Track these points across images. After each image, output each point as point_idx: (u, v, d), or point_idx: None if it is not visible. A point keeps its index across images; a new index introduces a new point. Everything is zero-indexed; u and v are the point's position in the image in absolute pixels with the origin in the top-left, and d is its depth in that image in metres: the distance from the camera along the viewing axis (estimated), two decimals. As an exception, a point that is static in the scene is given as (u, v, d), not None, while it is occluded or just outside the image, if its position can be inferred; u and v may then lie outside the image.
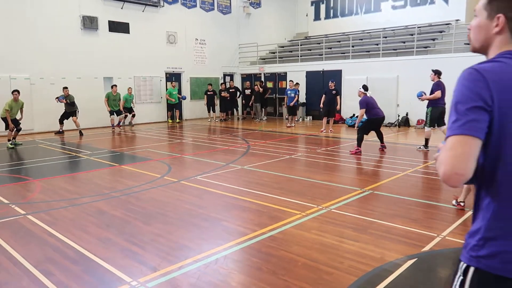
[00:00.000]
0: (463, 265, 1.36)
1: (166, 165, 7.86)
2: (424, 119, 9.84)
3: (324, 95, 13.26)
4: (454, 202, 5.00)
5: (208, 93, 17.35)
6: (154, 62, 16.79)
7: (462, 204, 4.88)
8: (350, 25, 19.94)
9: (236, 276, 3.28)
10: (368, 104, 9.09)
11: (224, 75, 19.71)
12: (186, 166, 7.98)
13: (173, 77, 17.71)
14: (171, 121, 17.13)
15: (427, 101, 9.41)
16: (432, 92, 9.28)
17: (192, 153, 9.55)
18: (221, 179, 6.61)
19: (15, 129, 10.80)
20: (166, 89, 16.95)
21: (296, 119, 16.11)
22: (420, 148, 9.53)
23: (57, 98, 12.93)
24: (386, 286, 3.04)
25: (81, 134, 12.90)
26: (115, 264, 3.49)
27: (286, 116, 16.23)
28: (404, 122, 14.59)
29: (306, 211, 4.86)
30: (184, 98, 17.20)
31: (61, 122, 13.24)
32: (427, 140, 9.32)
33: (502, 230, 1.28)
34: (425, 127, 9.37)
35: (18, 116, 10.88)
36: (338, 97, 13.47)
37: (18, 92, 10.76)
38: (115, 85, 14.15)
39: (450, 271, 3.32)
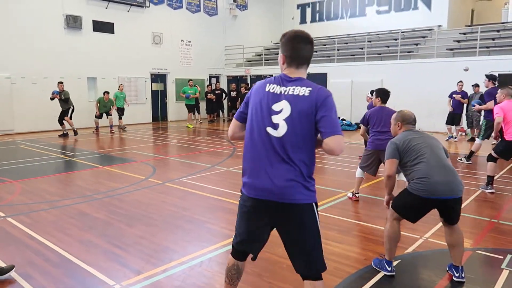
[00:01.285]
0: None
1: (151, 167, 7.78)
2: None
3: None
4: (349, 194, 5.63)
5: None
6: (139, 62, 16.62)
7: (357, 195, 5.51)
8: (335, 28, 20.15)
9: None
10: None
11: (210, 77, 19.65)
12: (170, 168, 7.91)
13: (159, 78, 17.58)
14: (190, 126, 15.53)
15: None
16: (484, 102, 8.47)
17: (177, 154, 9.47)
18: (206, 181, 6.57)
19: None
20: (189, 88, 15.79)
21: None
22: (461, 160, 8.44)
23: (52, 93, 12.33)
24: (370, 287, 3.07)
25: (75, 133, 12.49)
26: (98, 267, 3.43)
27: None
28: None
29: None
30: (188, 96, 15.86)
31: (60, 122, 12.54)
32: (472, 153, 8.15)
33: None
34: (477, 139, 7.88)
35: None
36: None
37: None
38: (107, 92, 13.56)
39: (432, 272, 3.37)
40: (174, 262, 3.53)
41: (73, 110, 12.70)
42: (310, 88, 2.14)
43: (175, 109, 18.24)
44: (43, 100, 13.78)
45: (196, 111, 17.08)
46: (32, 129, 13.67)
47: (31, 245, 3.93)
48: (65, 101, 12.45)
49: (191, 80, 16.26)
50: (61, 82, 12.48)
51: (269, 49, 21.11)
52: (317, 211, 2.21)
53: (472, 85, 11.35)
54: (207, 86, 18.22)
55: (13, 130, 13.27)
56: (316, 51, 18.58)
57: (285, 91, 2.15)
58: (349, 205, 5.29)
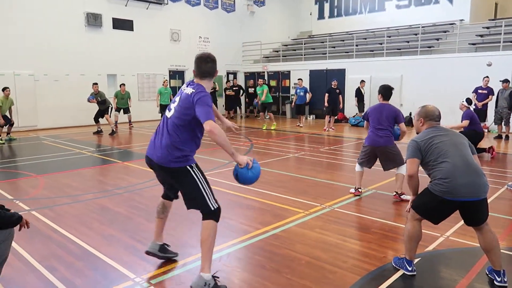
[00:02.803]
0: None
1: (169, 163, 7.87)
2: None
3: (327, 94, 13.24)
4: (352, 190, 5.57)
5: (211, 91, 17.33)
6: (158, 59, 16.80)
7: (359, 190, 5.49)
8: (354, 24, 19.90)
9: (239, 273, 3.28)
10: (473, 118, 8.26)
11: (227, 73, 19.71)
12: (189, 164, 7.99)
13: (177, 75, 17.72)
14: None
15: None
16: None
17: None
18: (224, 177, 6.61)
19: (8, 124, 11.03)
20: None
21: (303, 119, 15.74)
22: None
23: (88, 99, 12.30)
24: (389, 285, 3.04)
25: (113, 132, 12.21)
26: (119, 260, 3.50)
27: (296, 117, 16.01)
28: (408, 122, 14.55)
29: (310, 210, 4.86)
30: None
31: (96, 120, 12.57)
32: None
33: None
34: None
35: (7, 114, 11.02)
36: (340, 96, 13.52)
37: (9, 89, 10.97)
38: (123, 84, 13.72)
39: (453, 271, 3.32)
40: (193, 256, 3.58)
41: (111, 108, 12.82)
42: (193, 91, 2.97)
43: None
44: (65, 96, 14.13)
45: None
46: (55, 125, 14.00)
47: (54, 238, 4.04)
48: (103, 103, 12.44)
49: (261, 79, 15.60)
50: (96, 84, 12.49)
51: (286, 45, 21.02)
52: (194, 171, 3.03)
53: (501, 81, 11.00)
54: (226, 82, 18.28)
55: (37, 126, 13.62)
56: (334, 47, 18.41)
57: (184, 89, 3.08)
58: (367, 202, 5.25)
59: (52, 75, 13.89)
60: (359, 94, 14.86)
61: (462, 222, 4.37)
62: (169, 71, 17.44)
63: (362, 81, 14.94)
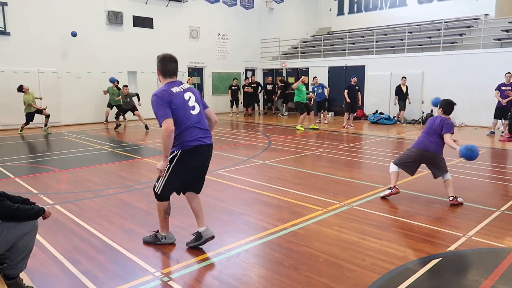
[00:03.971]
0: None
1: (188, 159, 7.94)
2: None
3: (347, 91, 13.08)
4: (386, 192, 5.29)
5: (233, 87, 17.42)
6: (177, 56, 16.77)
7: (397, 187, 5.25)
8: (374, 20, 19.61)
9: (257, 270, 3.29)
10: None
11: (246, 70, 19.72)
12: (207, 160, 8.04)
13: (195, 72, 17.84)
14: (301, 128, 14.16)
15: None
16: None
17: (214, 147, 9.59)
18: (242, 174, 6.64)
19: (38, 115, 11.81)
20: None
21: (325, 115, 15.59)
22: None
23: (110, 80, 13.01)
24: (409, 285, 3.00)
25: (147, 128, 12.47)
26: (139, 254, 3.56)
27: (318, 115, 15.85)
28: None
29: (328, 208, 4.84)
30: None
31: (117, 117, 13.09)
32: None
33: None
34: None
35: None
36: (359, 93, 13.37)
37: (24, 86, 11.59)
38: (127, 86, 12.99)
39: (476, 272, 3.25)
40: (211, 252, 3.61)
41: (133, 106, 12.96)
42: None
43: (212, 102, 18.47)
44: (86, 93, 14.43)
45: (235, 104, 17.33)
46: (77, 121, 14.31)
47: (77, 231, 4.13)
48: (128, 102, 12.77)
49: (315, 77, 15.46)
50: (126, 86, 12.80)
51: (305, 42, 20.88)
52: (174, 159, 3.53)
53: None
54: (245, 79, 18.31)
55: (60, 122, 13.94)
56: (354, 43, 18.19)
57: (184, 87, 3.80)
58: (386, 200, 5.18)
59: (75, 72, 14.18)
60: (399, 92, 13.99)
61: (485, 222, 4.29)
62: (188, 68, 17.56)
63: (403, 78, 13.99)
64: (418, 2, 18.42)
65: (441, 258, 3.41)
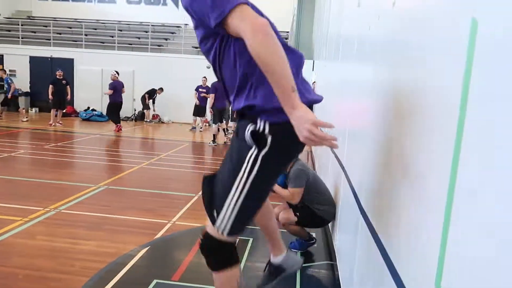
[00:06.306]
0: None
1: None
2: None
3: (52, 85, 11.91)
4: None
5: None
6: None
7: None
8: (82, 11, 18.66)
9: None
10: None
11: None
12: None
13: None
14: None
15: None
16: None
17: None
18: None
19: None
20: None
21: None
22: (210, 144, 9.86)
23: None
24: (120, 278, 3.04)
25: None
26: None
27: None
28: (141, 117, 14.96)
29: (29, 216, 4.27)
30: None
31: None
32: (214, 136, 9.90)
33: None
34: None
35: None
36: (68, 87, 12.42)
37: None
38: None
39: (179, 252, 3.65)
40: None
41: None
42: None
43: None
44: None
45: None
46: None
47: None
48: None
49: None
50: None
51: (-2, 24, 17.63)
52: None
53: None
54: None
55: None
56: (60, 33, 16.80)
57: None
58: (98, 199, 5.07)
59: None
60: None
61: (186, 207, 4.87)
62: None
63: None
64: (127, 2, 18.83)
65: (149, 247, 3.64)
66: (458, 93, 0.84)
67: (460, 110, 0.82)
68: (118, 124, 11.48)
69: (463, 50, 0.83)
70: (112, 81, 11.55)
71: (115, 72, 11.74)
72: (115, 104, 11.48)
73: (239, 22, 1.28)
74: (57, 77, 12.01)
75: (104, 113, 14.53)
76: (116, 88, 11.39)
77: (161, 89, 14.28)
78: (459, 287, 0.80)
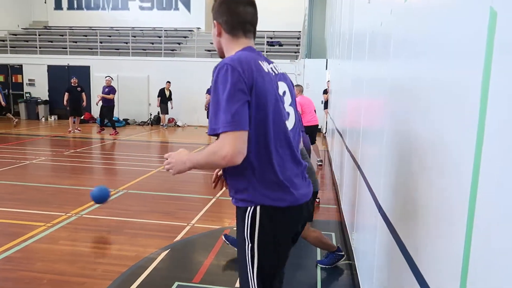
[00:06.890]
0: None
1: None
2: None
3: (67, 93, 12.14)
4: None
5: None
6: None
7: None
8: (96, 19, 18.98)
9: None
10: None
11: None
12: None
13: None
14: None
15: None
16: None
17: None
18: None
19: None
20: None
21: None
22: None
23: None
24: (142, 281, 3.08)
25: None
26: None
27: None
28: (156, 121, 15.12)
29: (52, 221, 4.36)
30: None
31: None
32: None
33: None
34: None
35: None
36: (83, 94, 12.62)
37: None
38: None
39: (198, 254, 3.67)
40: None
41: None
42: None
43: None
44: None
45: None
46: None
47: None
48: None
49: None
50: None
51: (15, 35, 18.06)
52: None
53: None
54: None
55: None
56: (76, 42, 17.13)
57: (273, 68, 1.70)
58: (118, 203, 5.15)
59: None
60: (162, 96, 14.11)
61: (204, 210, 4.91)
62: None
63: (168, 82, 14.08)
64: (140, 8, 19.06)
65: (169, 249, 3.67)
66: (478, 87, 0.82)
67: (481, 104, 0.81)
68: (116, 129, 12.15)
69: (482, 44, 0.81)
70: (108, 86, 12.09)
71: (110, 78, 12.32)
72: (112, 108, 12.12)
73: (224, 139, 1.45)
74: (72, 84, 12.24)
75: (121, 118, 14.76)
76: (113, 92, 12.08)
77: (168, 83, 14.11)
78: (484, 286, 0.78)
